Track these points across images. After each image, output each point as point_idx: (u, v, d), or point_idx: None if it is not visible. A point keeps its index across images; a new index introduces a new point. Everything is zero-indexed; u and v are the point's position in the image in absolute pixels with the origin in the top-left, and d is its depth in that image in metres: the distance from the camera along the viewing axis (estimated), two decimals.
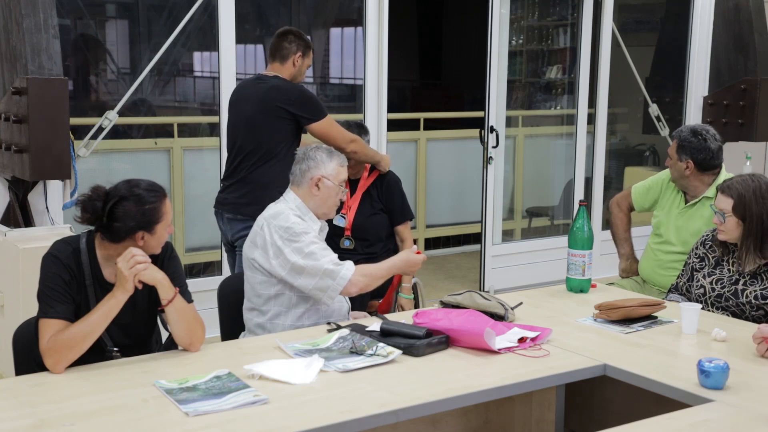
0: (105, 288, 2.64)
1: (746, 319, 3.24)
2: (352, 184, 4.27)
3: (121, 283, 2.55)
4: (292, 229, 3.08)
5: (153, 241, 2.66)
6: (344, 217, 4.17)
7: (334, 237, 4.02)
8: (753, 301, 3.23)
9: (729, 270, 3.33)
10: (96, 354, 2.60)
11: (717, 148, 3.89)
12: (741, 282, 3.27)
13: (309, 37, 4.20)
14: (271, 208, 3.21)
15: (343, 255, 4.06)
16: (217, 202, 4.19)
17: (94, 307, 2.57)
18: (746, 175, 3.34)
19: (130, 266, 2.54)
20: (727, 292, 3.29)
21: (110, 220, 2.61)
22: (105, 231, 2.64)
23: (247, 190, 4.04)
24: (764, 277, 3.24)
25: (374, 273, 3.19)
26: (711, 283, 3.34)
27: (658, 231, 4.07)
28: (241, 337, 3.22)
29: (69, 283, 2.60)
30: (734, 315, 3.27)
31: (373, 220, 4.21)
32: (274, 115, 4.01)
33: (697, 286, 3.40)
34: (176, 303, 2.65)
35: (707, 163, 3.88)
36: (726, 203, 3.27)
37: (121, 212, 2.60)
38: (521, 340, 2.81)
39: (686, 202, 3.99)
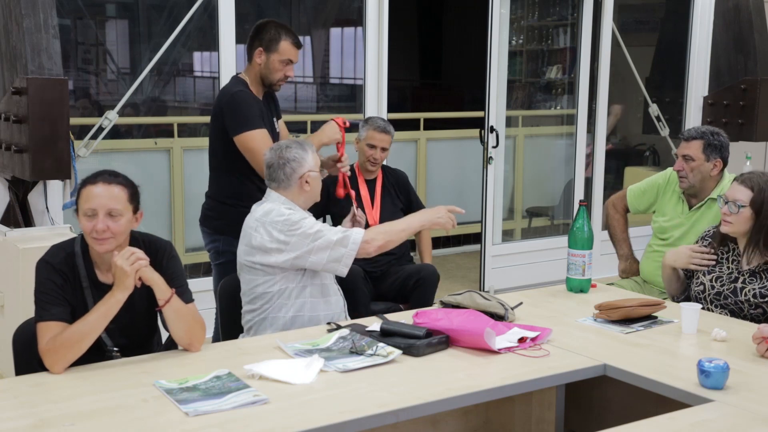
0: (100, 289, 2.64)
1: (744, 317, 3.24)
2: (369, 184, 4.36)
3: (121, 281, 2.54)
4: (290, 219, 3.09)
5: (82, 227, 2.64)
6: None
7: None
8: (752, 299, 3.23)
9: (729, 268, 3.33)
10: (96, 354, 2.60)
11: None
12: (740, 280, 3.28)
13: (284, 26, 3.71)
14: (258, 210, 3.19)
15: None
16: None
17: (93, 307, 2.56)
18: (761, 172, 3.34)
19: (131, 262, 2.54)
20: (727, 290, 3.29)
21: None
22: None
23: (213, 204, 3.82)
24: (763, 276, 3.24)
25: (391, 228, 3.24)
26: (711, 280, 3.34)
27: (662, 236, 4.06)
28: (240, 337, 3.22)
29: (62, 286, 2.60)
30: (732, 313, 3.27)
31: (397, 219, 4.23)
32: (217, 122, 3.70)
33: (696, 283, 3.40)
34: (173, 304, 2.64)
35: (727, 160, 3.91)
36: (744, 194, 3.25)
37: None
38: (521, 340, 2.81)
39: (690, 206, 3.98)
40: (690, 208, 3.97)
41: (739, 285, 3.27)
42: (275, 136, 3.81)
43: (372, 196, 4.36)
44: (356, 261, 3.38)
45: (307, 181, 3.18)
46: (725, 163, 3.91)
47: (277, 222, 3.09)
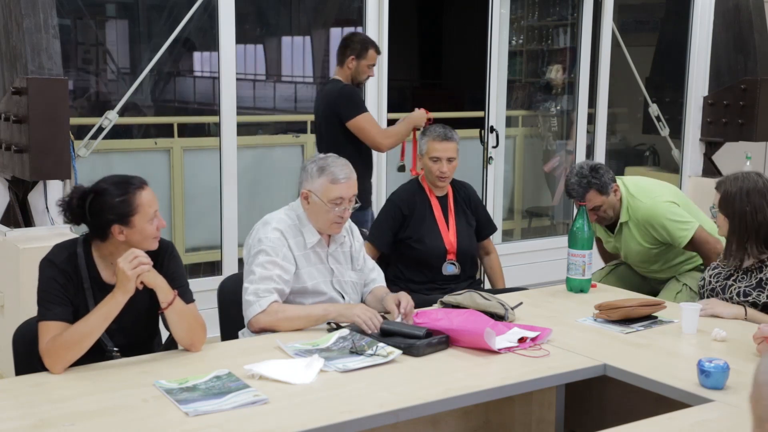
0: (104, 290, 2.63)
1: None
2: (441, 201, 3.94)
3: (123, 284, 2.53)
4: (262, 243, 3.06)
5: (135, 235, 2.61)
6: (454, 264, 3.88)
7: (433, 265, 3.85)
8: (735, 297, 3.22)
9: (730, 263, 3.32)
10: (96, 354, 2.59)
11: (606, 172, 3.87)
12: (733, 277, 3.27)
13: (367, 37, 4.67)
14: (266, 216, 3.19)
15: (447, 283, 3.85)
16: None
17: (94, 308, 2.56)
18: (742, 173, 3.32)
19: (134, 266, 2.53)
20: (719, 286, 3.29)
21: (91, 216, 2.62)
22: (90, 229, 2.65)
23: None
24: (752, 275, 3.23)
25: (292, 313, 2.96)
26: (710, 276, 3.35)
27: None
28: (240, 335, 3.21)
29: (65, 286, 2.59)
30: None
31: (474, 240, 4.00)
32: (330, 115, 4.49)
33: (699, 278, 3.42)
34: (176, 306, 2.64)
35: (614, 179, 3.86)
36: (715, 198, 3.29)
37: (96, 208, 2.60)
38: (521, 340, 2.81)
39: (612, 231, 4.02)
40: (612, 232, 4.03)
41: (729, 282, 3.26)
42: None
43: (446, 216, 3.91)
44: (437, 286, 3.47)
45: (306, 199, 3.12)
46: (615, 182, 3.86)
47: (256, 237, 3.10)
